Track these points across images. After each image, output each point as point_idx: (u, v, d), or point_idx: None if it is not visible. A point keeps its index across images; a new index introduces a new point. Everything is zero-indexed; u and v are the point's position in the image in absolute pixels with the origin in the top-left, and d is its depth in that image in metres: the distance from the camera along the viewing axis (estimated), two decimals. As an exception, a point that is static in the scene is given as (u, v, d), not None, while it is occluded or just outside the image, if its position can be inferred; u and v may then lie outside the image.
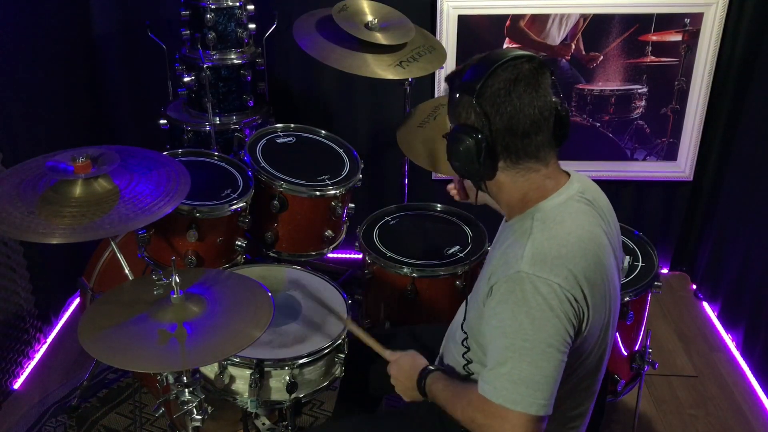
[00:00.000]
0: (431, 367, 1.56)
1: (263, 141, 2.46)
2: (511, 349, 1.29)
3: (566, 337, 1.30)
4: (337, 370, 1.89)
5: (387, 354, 1.67)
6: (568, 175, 1.47)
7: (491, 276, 1.38)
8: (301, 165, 2.38)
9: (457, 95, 1.38)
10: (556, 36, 2.97)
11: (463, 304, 1.58)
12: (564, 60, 3.01)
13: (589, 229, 1.40)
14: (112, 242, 1.92)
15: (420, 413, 1.67)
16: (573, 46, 2.98)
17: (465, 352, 1.52)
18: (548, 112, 1.37)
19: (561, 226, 1.37)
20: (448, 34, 2.95)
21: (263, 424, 1.97)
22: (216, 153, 2.42)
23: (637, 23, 2.92)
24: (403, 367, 1.60)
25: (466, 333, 1.51)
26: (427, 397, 1.53)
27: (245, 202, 2.18)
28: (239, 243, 2.24)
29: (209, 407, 1.68)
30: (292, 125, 2.57)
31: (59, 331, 2.95)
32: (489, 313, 1.36)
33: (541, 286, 1.29)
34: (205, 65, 2.59)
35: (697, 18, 2.88)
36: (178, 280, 1.55)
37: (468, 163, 1.38)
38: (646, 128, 3.11)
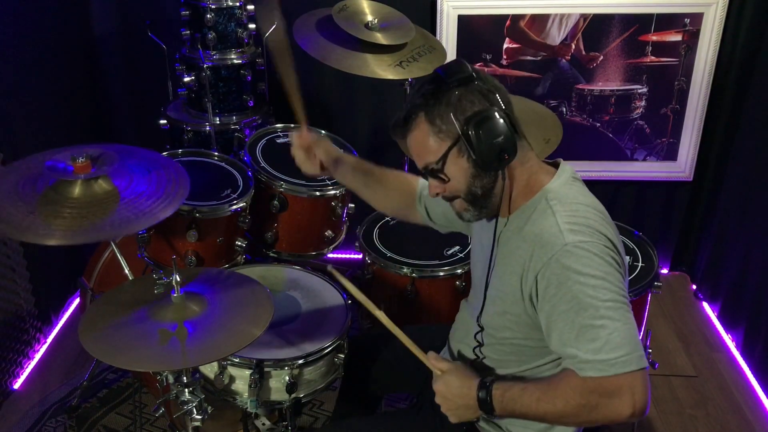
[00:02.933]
0: (488, 378, 1.43)
1: (263, 141, 2.46)
2: (597, 319, 1.29)
3: (624, 286, 1.35)
4: (337, 370, 1.89)
5: (437, 364, 1.50)
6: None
7: (529, 264, 1.37)
8: (301, 165, 2.38)
9: (456, 92, 1.36)
10: (556, 36, 2.97)
11: (465, 301, 1.58)
12: (564, 60, 3.01)
13: (598, 203, 1.44)
14: (112, 243, 1.92)
15: (421, 414, 1.67)
16: (573, 46, 2.98)
17: (477, 347, 1.52)
18: None
19: (576, 200, 1.40)
20: (448, 34, 2.95)
21: (263, 424, 1.97)
22: (216, 153, 2.42)
23: (637, 23, 2.92)
24: (452, 384, 1.45)
25: (481, 326, 1.50)
26: (493, 412, 1.40)
27: (245, 202, 2.18)
28: (239, 243, 2.24)
29: (209, 407, 1.68)
30: (292, 125, 2.56)
31: (59, 331, 2.95)
32: (551, 302, 1.34)
33: (591, 248, 1.31)
34: (205, 65, 2.59)
35: (697, 18, 2.89)
36: (178, 279, 1.55)
37: (509, 137, 1.35)
38: (646, 128, 3.11)
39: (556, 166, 1.48)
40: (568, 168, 1.48)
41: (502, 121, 1.34)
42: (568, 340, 1.32)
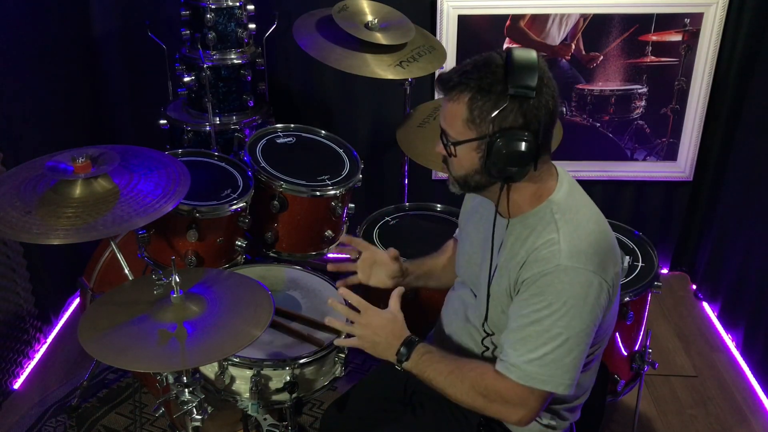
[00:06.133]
0: (416, 338, 1.53)
1: (263, 141, 2.46)
2: (545, 336, 1.35)
3: (595, 324, 1.39)
4: (337, 370, 1.89)
5: (394, 304, 1.59)
6: None
7: (522, 271, 1.40)
8: (301, 165, 2.38)
9: (507, 100, 1.33)
10: (556, 36, 2.97)
11: (452, 292, 1.63)
12: (564, 60, 3.01)
13: (597, 211, 1.48)
14: (112, 242, 1.92)
15: (419, 413, 1.67)
16: (573, 46, 2.98)
17: (485, 351, 1.53)
18: None
19: (579, 214, 1.43)
20: (448, 34, 2.95)
21: (264, 419, 1.96)
22: (216, 153, 2.42)
23: (637, 23, 2.92)
24: (387, 327, 1.54)
25: (488, 332, 1.52)
26: (404, 364, 1.50)
27: (245, 202, 2.18)
28: (239, 243, 2.24)
29: (209, 407, 1.68)
30: (292, 125, 2.57)
31: (59, 331, 2.95)
32: (519, 305, 1.41)
33: (580, 277, 1.35)
34: (205, 65, 2.59)
35: (697, 18, 2.89)
36: (178, 280, 1.55)
37: (524, 166, 1.36)
38: (646, 128, 3.11)
39: None
40: (562, 170, 1.50)
41: (528, 150, 1.34)
42: (512, 340, 1.40)
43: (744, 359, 2.84)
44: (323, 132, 2.56)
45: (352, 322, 1.57)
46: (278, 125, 2.55)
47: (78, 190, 1.81)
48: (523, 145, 1.34)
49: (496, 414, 1.44)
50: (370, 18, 2.53)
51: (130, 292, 1.70)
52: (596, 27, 2.94)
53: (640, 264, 2.15)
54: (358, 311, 1.57)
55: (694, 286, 3.31)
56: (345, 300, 1.63)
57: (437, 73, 2.97)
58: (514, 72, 1.33)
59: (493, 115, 1.34)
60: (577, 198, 1.47)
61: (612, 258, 1.42)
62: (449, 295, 1.76)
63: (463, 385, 1.43)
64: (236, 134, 2.70)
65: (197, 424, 1.66)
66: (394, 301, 1.59)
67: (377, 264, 1.78)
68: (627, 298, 2.03)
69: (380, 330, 1.53)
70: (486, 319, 1.52)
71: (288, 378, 1.77)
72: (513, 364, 1.38)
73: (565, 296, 1.34)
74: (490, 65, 1.36)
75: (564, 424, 1.58)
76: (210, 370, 1.81)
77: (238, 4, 2.61)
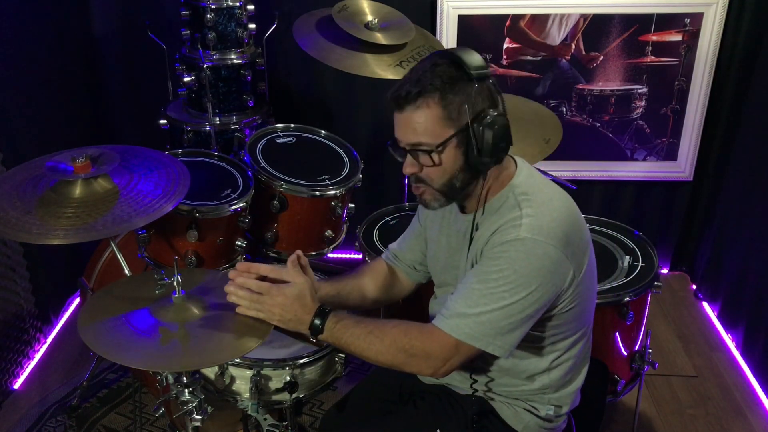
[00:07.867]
0: (328, 307, 1.50)
1: (263, 141, 2.46)
2: (488, 297, 1.37)
3: (546, 297, 1.39)
4: (337, 370, 1.89)
5: (296, 275, 1.53)
6: None
7: (484, 249, 1.43)
8: (301, 165, 2.38)
9: (475, 85, 1.38)
10: (556, 36, 2.97)
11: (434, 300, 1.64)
12: (564, 60, 3.01)
13: (561, 191, 1.49)
14: (112, 242, 1.92)
15: (418, 410, 1.67)
16: (573, 46, 2.98)
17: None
18: None
19: (542, 194, 1.45)
20: (448, 34, 2.95)
21: (264, 419, 1.96)
22: (216, 153, 2.42)
23: (637, 23, 2.92)
24: (295, 302, 1.49)
25: None
26: (320, 336, 1.47)
27: (245, 202, 2.18)
28: (239, 243, 2.24)
29: (209, 407, 1.68)
30: (292, 125, 2.57)
31: (59, 331, 2.96)
32: (473, 270, 1.43)
33: (538, 249, 1.36)
34: (205, 65, 2.59)
35: (697, 18, 2.89)
36: (180, 280, 1.54)
37: (507, 143, 1.41)
38: (646, 128, 3.11)
39: None
40: (521, 159, 1.53)
41: (505, 125, 1.39)
42: (454, 297, 1.42)
43: (744, 359, 2.84)
44: (323, 132, 2.56)
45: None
46: (278, 125, 2.55)
47: (78, 190, 1.81)
48: (503, 120, 1.38)
49: (415, 368, 1.44)
50: (370, 18, 2.53)
51: (130, 288, 1.69)
52: (596, 27, 2.94)
53: (640, 264, 2.15)
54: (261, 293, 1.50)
55: (694, 286, 3.31)
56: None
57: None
58: (464, 59, 1.38)
59: (467, 103, 1.37)
60: (537, 180, 1.49)
61: (577, 235, 1.44)
62: (432, 305, 1.74)
63: (383, 343, 1.42)
64: (236, 134, 2.70)
65: (197, 424, 1.66)
66: (294, 272, 1.54)
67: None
68: (627, 298, 2.03)
69: (288, 308, 1.48)
70: None
71: (288, 378, 1.77)
72: (447, 317, 1.40)
73: (518, 265, 1.36)
74: (438, 64, 1.40)
75: (561, 415, 1.58)
76: (210, 370, 1.81)
77: (238, 4, 2.61)
